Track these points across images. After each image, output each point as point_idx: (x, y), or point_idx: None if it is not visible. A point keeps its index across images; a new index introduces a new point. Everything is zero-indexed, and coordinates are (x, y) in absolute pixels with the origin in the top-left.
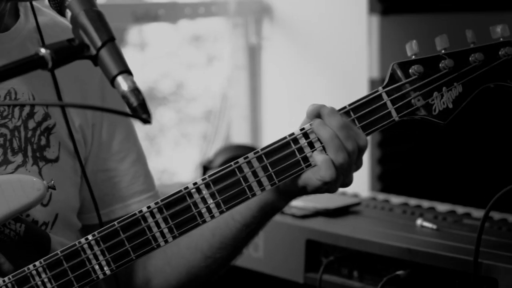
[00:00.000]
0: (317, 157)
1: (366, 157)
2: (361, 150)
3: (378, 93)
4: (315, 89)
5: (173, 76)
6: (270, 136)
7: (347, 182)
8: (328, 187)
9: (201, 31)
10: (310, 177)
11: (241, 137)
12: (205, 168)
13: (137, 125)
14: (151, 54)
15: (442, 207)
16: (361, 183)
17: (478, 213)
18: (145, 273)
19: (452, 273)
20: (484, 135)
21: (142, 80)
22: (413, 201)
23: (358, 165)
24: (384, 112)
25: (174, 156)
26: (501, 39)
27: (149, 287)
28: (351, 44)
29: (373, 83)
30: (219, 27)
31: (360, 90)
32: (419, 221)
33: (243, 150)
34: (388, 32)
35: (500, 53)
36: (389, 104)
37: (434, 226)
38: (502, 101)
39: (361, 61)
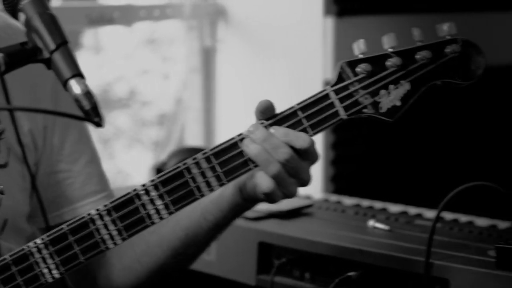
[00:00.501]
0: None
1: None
2: (303, 152)
3: (325, 92)
4: (269, 91)
5: (128, 79)
6: (224, 139)
7: (291, 191)
8: (268, 198)
9: (156, 34)
10: (253, 186)
11: (195, 140)
12: (158, 170)
13: (91, 128)
14: (106, 57)
15: (394, 208)
16: (314, 185)
17: (430, 213)
18: (113, 271)
19: (404, 273)
20: (435, 136)
21: (96, 83)
22: (365, 202)
23: (304, 166)
24: (332, 111)
25: (128, 159)
26: (448, 37)
27: (118, 285)
28: (306, 45)
29: (327, 85)
30: (175, 30)
31: (314, 92)
32: (371, 222)
33: (196, 152)
34: (343, 33)
35: (446, 50)
36: (337, 103)
37: (386, 227)
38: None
39: (316, 63)
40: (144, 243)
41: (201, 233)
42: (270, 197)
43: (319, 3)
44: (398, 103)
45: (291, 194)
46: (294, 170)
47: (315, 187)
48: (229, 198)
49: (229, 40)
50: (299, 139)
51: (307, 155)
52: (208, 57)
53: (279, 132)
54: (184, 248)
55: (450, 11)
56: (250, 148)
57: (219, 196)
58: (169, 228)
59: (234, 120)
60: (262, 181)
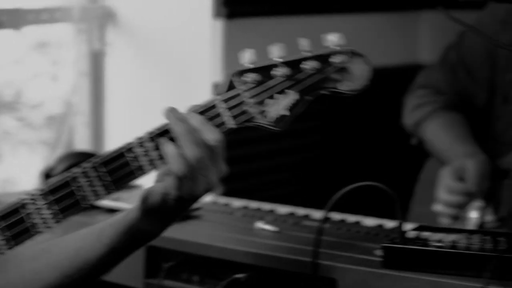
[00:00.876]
0: (168, 148)
1: None
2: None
3: (214, 102)
4: (159, 95)
5: (17, 83)
6: (113, 142)
7: (209, 183)
8: (183, 185)
9: (46, 37)
10: (159, 183)
11: (83, 144)
12: (47, 175)
13: None
14: None
15: (282, 209)
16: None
17: (318, 214)
18: None
19: (292, 274)
20: (322, 137)
21: None
22: (253, 204)
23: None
24: (220, 120)
25: (16, 164)
26: (335, 47)
27: None
28: (196, 48)
29: (216, 88)
30: (64, 33)
31: (204, 95)
32: (259, 224)
33: (84, 157)
34: (233, 36)
35: (333, 61)
36: (225, 112)
37: (274, 228)
38: (339, 103)
39: (205, 66)
40: (33, 259)
41: (93, 258)
42: (185, 185)
43: (209, 5)
44: (286, 113)
45: (209, 188)
46: (205, 164)
47: None
48: (128, 221)
49: (118, 44)
50: (213, 131)
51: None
52: (96, 61)
53: (195, 117)
54: (72, 271)
55: (338, 13)
56: (178, 126)
57: (119, 219)
58: (61, 245)
59: (123, 124)
60: (176, 161)
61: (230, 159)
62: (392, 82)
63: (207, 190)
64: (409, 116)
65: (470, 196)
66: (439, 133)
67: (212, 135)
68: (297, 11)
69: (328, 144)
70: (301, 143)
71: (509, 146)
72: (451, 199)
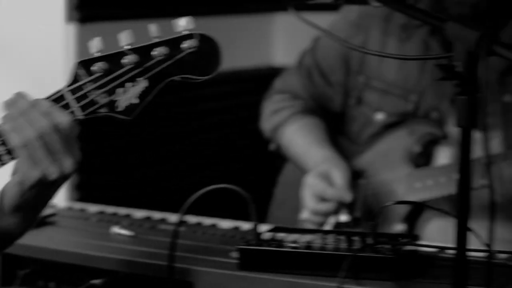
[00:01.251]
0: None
1: None
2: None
3: (61, 92)
4: None
5: None
6: None
7: (63, 168)
8: (30, 169)
9: None
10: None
11: None
12: None
13: None
14: None
15: (138, 213)
16: (59, 193)
17: (174, 218)
18: None
19: (149, 278)
20: (176, 140)
21: None
22: (110, 209)
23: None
24: (68, 111)
25: None
26: (185, 32)
27: None
28: (49, 53)
29: None
30: None
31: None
32: (115, 229)
33: None
34: (86, 40)
35: (183, 46)
36: (73, 103)
37: (130, 233)
38: (191, 107)
39: (59, 70)
40: None
41: None
42: (30, 173)
43: (61, 10)
44: (136, 101)
45: (48, 173)
46: (51, 146)
47: (59, 196)
48: None
49: None
50: (62, 114)
51: (65, 135)
52: None
53: (43, 103)
54: None
55: (192, 15)
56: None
57: None
58: None
59: None
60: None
61: (85, 164)
62: (247, 84)
63: (63, 176)
64: (267, 122)
65: (339, 204)
66: (296, 137)
67: (60, 118)
68: (150, 15)
69: (186, 147)
70: (157, 147)
71: (363, 147)
72: (320, 208)
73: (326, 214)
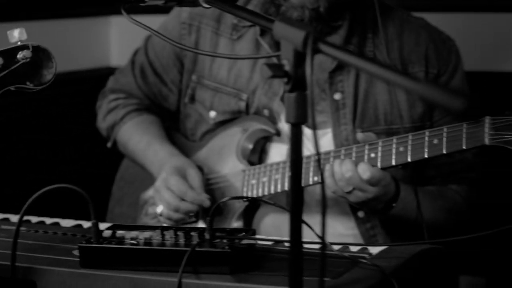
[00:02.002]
0: None
1: None
2: None
3: None
4: None
5: None
6: None
7: None
8: None
9: None
10: None
11: None
12: None
13: None
14: None
15: None
16: None
17: (15, 218)
18: None
19: None
20: (15, 142)
21: None
22: None
23: None
24: None
25: None
26: (19, 42)
27: None
28: None
29: None
30: None
31: None
32: None
33: None
34: None
35: (18, 56)
36: None
37: None
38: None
39: None
40: None
41: None
42: None
43: None
44: None
45: None
46: None
47: None
48: None
49: None
50: None
51: None
52: None
53: None
54: None
55: (36, 19)
56: None
57: None
58: None
59: None
60: None
61: None
62: (87, 85)
63: None
64: (103, 120)
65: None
66: (134, 135)
67: None
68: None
69: (25, 148)
70: None
71: (198, 144)
72: (181, 207)
73: (186, 213)
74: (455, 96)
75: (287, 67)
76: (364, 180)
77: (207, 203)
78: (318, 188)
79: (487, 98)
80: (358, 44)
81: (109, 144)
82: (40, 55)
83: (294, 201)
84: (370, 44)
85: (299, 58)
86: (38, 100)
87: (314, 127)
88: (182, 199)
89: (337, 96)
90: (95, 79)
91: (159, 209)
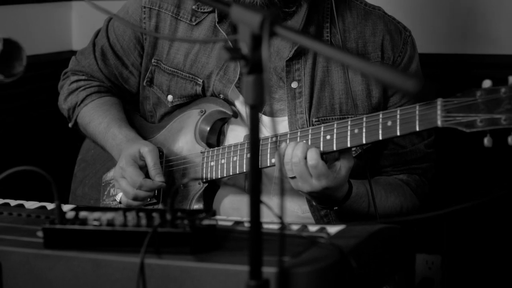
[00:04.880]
0: None
1: None
2: None
3: None
4: None
5: None
6: None
7: None
8: None
9: None
10: None
11: None
12: None
13: None
14: None
15: None
16: None
17: None
18: None
19: None
20: None
21: None
22: None
23: None
24: None
25: None
26: None
27: None
28: None
29: None
30: None
31: None
32: None
33: None
34: None
35: None
36: None
37: None
38: None
39: None
40: None
41: None
42: None
43: None
44: None
45: None
46: None
47: None
48: None
49: None
50: None
51: None
52: None
53: None
54: None
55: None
56: None
57: None
58: None
59: None
60: None
61: None
62: (49, 69)
63: None
64: (65, 102)
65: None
66: (95, 117)
67: None
68: None
69: None
70: None
71: (157, 125)
72: (140, 194)
73: (144, 199)
74: (409, 77)
75: (244, 50)
76: (309, 164)
77: (163, 185)
78: (276, 170)
79: (442, 80)
80: (315, 33)
81: (70, 125)
82: (11, 47)
83: (253, 182)
84: (327, 34)
85: (256, 41)
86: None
87: (272, 115)
88: (139, 188)
89: (294, 84)
90: (57, 63)
91: (118, 197)
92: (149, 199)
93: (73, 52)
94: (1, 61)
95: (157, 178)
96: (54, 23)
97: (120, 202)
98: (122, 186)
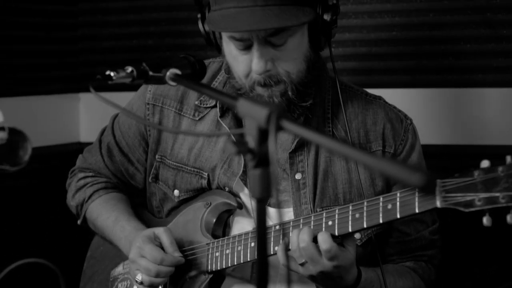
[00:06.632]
0: None
1: None
2: None
3: None
4: None
5: None
6: None
7: None
8: None
9: None
10: None
11: None
12: None
13: None
14: None
15: None
16: None
17: None
18: None
19: None
20: None
21: None
22: None
23: None
24: None
25: None
26: None
27: None
28: None
29: None
30: None
31: None
32: None
33: None
34: None
35: None
36: None
37: None
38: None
39: None
40: None
41: None
42: None
43: None
44: None
45: None
46: None
47: None
48: None
49: None
50: None
51: None
52: None
53: None
54: None
55: (11, 96)
56: None
57: None
58: None
59: None
60: None
61: None
62: (57, 160)
63: None
64: (73, 199)
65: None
66: (102, 212)
67: None
68: None
69: None
70: None
71: (165, 220)
72: (162, 271)
73: (166, 276)
74: (413, 172)
75: (251, 143)
76: (322, 249)
77: (182, 261)
78: (277, 258)
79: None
80: (317, 124)
81: (79, 222)
82: (16, 137)
83: (260, 271)
84: (329, 125)
85: (262, 135)
86: (8, 175)
87: (279, 206)
88: (160, 264)
89: (298, 176)
90: (65, 155)
91: (139, 277)
92: (140, 279)
93: (80, 144)
94: (7, 151)
95: (176, 254)
96: (62, 114)
97: (141, 283)
98: (143, 264)
